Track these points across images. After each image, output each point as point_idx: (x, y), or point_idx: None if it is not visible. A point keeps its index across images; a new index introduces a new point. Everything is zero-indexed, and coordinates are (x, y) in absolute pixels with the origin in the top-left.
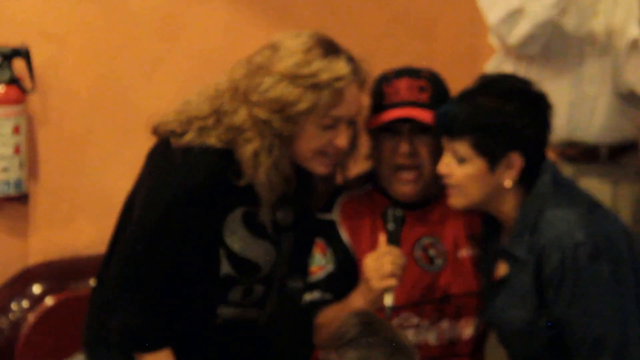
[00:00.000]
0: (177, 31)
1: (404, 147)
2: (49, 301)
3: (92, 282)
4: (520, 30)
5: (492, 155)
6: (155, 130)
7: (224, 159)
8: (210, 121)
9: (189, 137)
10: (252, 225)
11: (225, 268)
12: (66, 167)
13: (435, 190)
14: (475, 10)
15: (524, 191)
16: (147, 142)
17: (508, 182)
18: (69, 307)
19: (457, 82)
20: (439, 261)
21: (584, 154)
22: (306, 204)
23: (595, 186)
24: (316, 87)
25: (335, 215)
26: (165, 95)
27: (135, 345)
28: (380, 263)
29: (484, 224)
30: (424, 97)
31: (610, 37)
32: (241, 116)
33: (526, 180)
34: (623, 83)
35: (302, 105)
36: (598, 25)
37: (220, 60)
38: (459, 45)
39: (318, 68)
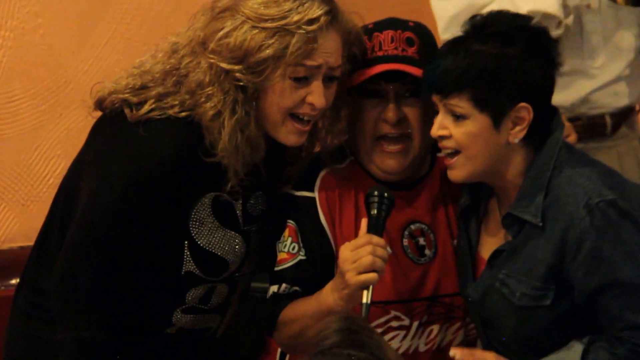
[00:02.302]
0: None
1: (391, 114)
2: None
3: (14, 281)
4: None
5: (497, 109)
6: (101, 103)
7: (190, 132)
8: (169, 84)
9: (147, 108)
10: (222, 215)
11: (188, 265)
12: None
13: (426, 167)
14: None
15: (533, 152)
16: (82, 115)
17: (514, 139)
18: None
19: None
20: (429, 252)
21: (589, 127)
22: (279, 189)
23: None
24: (285, 31)
25: (314, 193)
26: (102, 61)
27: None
28: (358, 254)
29: (465, 195)
30: (411, 51)
31: (614, 6)
32: (201, 70)
33: (535, 137)
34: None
35: (268, 52)
36: None
37: (166, 24)
38: None
39: (288, 9)
